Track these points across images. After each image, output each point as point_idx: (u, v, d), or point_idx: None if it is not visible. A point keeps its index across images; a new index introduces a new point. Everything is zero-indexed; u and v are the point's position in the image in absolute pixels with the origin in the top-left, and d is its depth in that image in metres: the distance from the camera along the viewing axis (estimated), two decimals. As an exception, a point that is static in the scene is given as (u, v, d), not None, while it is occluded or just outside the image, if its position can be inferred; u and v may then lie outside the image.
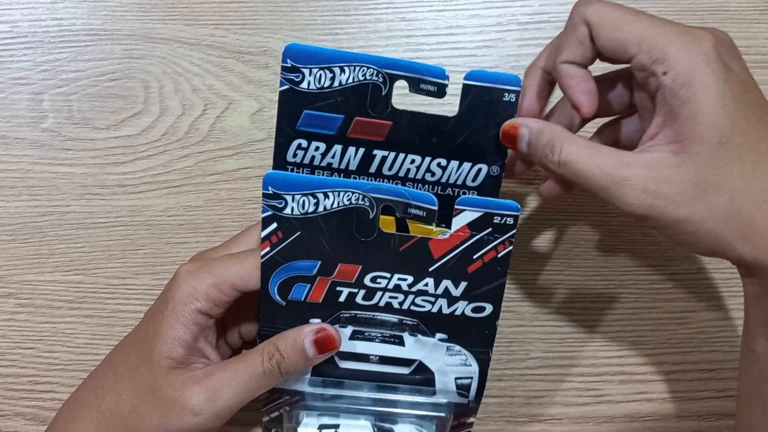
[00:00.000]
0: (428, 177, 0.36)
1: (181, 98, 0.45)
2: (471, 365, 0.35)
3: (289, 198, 0.32)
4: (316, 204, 0.32)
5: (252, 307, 0.36)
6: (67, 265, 0.44)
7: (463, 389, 0.36)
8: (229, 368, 0.33)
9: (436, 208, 0.32)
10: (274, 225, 0.32)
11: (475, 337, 0.35)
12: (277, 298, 0.34)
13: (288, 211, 0.32)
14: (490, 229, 0.32)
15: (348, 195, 0.32)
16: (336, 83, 0.34)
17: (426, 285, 0.33)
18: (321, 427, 0.37)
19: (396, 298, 0.34)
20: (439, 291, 0.34)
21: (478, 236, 0.32)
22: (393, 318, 0.34)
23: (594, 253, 0.45)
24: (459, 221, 0.32)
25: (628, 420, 0.42)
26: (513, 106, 0.34)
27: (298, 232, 0.32)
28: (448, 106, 0.36)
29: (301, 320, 0.34)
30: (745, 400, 0.34)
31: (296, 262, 0.33)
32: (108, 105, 0.44)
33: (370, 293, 0.34)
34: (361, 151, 0.36)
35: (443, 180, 0.36)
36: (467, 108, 0.34)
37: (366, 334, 0.35)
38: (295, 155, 0.35)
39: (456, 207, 0.32)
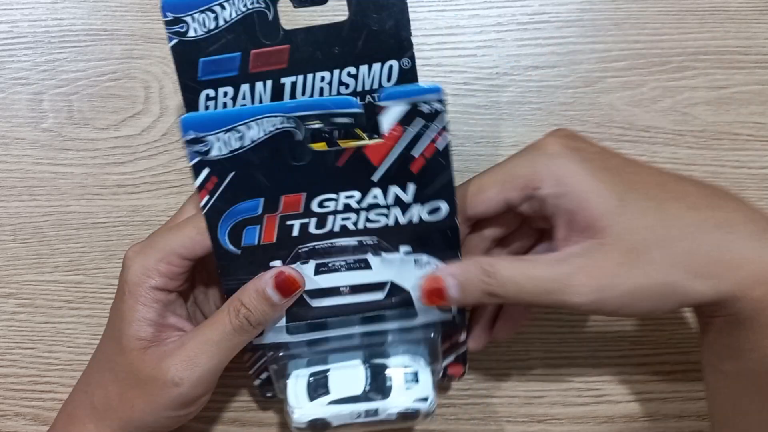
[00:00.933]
0: (343, 90, 0.35)
1: (182, 98, 0.44)
2: None
3: (212, 138, 0.31)
4: (241, 138, 0.31)
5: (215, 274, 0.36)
6: (67, 265, 0.44)
7: (441, 307, 0.35)
8: (200, 333, 0.33)
9: (361, 110, 0.31)
10: (206, 171, 0.32)
11: (438, 241, 0.34)
12: (231, 247, 0.33)
13: (215, 152, 0.31)
14: (421, 120, 0.31)
15: (271, 121, 0.31)
16: (221, 22, 0.33)
17: (375, 197, 0.33)
18: (311, 375, 0.36)
19: (349, 218, 0.33)
20: (390, 200, 0.33)
21: (412, 131, 0.31)
22: (352, 241, 0.34)
23: (594, 253, 0.45)
24: (387, 119, 0.31)
25: (628, 420, 0.42)
26: None
27: (232, 172, 0.32)
28: (340, 12, 0.34)
29: (260, 266, 0.34)
30: (722, 417, 0.34)
31: (239, 205, 0.32)
32: (108, 105, 0.44)
33: (321, 220, 0.33)
34: (269, 83, 0.35)
35: (359, 89, 0.35)
36: (357, 7, 0.34)
37: (330, 265, 0.34)
38: (206, 107, 0.35)
39: (378, 105, 0.31)
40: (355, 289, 0.35)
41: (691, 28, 0.44)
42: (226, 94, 0.35)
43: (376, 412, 0.35)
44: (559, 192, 0.31)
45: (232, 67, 0.34)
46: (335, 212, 0.33)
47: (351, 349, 0.36)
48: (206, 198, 0.32)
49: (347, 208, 0.33)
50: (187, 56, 0.34)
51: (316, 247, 0.34)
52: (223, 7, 0.33)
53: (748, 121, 0.44)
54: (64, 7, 0.45)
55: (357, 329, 0.36)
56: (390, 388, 0.35)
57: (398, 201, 0.33)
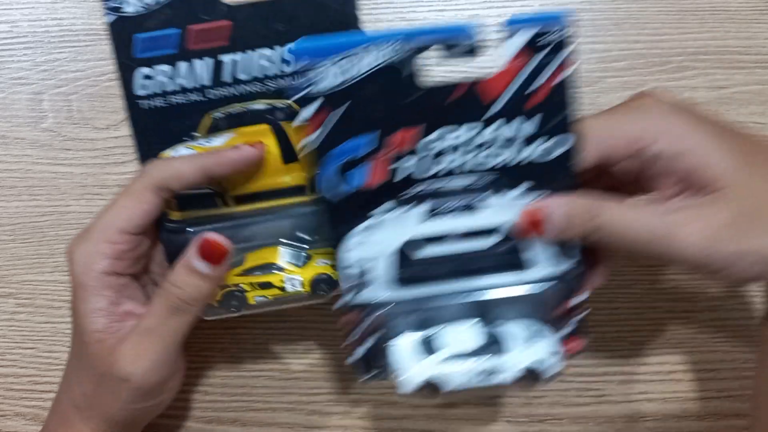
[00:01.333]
0: (286, 69, 0.34)
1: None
2: None
3: (326, 66, 0.29)
4: (352, 68, 0.29)
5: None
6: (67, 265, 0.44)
7: (564, 247, 0.33)
8: (139, 324, 0.33)
9: (477, 37, 0.29)
10: (317, 102, 0.29)
11: (556, 180, 0.31)
12: (338, 190, 0.31)
13: (326, 83, 0.29)
14: (546, 49, 0.29)
15: (382, 50, 0.29)
16: None
17: (490, 134, 0.30)
18: (420, 337, 0.33)
19: (461, 157, 0.31)
20: (505, 137, 0.30)
21: (535, 61, 0.29)
22: (463, 182, 0.32)
23: (594, 253, 0.45)
24: (510, 48, 0.29)
25: (628, 420, 0.42)
26: None
27: (345, 104, 0.29)
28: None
29: (367, 211, 0.32)
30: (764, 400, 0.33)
31: (348, 142, 0.30)
32: (108, 105, 0.44)
33: (432, 159, 0.31)
34: (209, 61, 0.34)
35: None
36: None
37: (437, 209, 0.32)
38: (143, 87, 0.34)
39: (507, 28, 0.29)
40: (464, 236, 0.32)
41: (691, 28, 0.44)
42: (163, 72, 0.34)
43: (492, 372, 0.32)
44: (678, 150, 0.30)
45: (171, 44, 0.33)
46: (447, 151, 0.31)
47: (460, 308, 0.34)
48: (316, 132, 0.30)
49: (460, 146, 0.31)
50: (125, 33, 0.33)
51: (426, 189, 0.32)
52: None
53: (748, 121, 0.44)
54: (64, 7, 0.45)
55: (466, 284, 0.33)
56: (508, 346, 0.32)
57: (514, 138, 0.30)
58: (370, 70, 0.29)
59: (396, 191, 0.32)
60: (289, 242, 0.36)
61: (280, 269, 0.34)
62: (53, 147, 0.44)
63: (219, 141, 0.34)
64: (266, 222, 0.35)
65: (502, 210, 0.32)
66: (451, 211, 0.32)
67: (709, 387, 0.43)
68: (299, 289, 0.34)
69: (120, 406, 0.33)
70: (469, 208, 0.32)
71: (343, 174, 0.31)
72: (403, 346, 0.33)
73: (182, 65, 0.34)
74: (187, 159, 0.33)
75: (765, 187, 0.30)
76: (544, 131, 0.30)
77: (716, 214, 0.29)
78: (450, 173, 0.31)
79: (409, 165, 0.31)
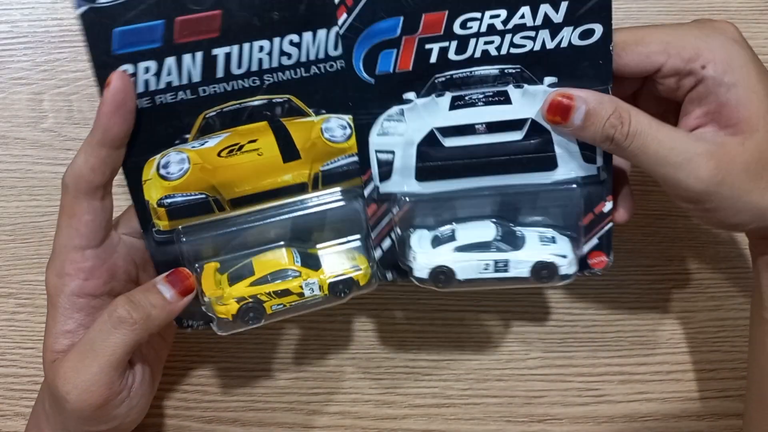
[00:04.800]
0: (285, 61, 0.31)
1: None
2: None
3: None
4: None
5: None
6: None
7: (587, 150, 0.32)
8: (80, 342, 0.31)
9: None
10: None
11: (589, 73, 0.30)
12: (365, 75, 0.30)
13: None
14: None
15: None
16: None
17: (522, 17, 0.29)
18: (438, 230, 0.33)
19: (492, 42, 0.30)
20: (539, 20, 0.29)
21: None
22: (493, 70, 0.30)
23: (594, 253, 0.45)
24: None
25: (628, 420, 0.42)
26: None
27: None
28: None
29: (394, 98, 0.31)
30: (758, 371, 0.34)
31: (377, 24, 0.29)
32: (108, 105, 0.44)
33: (462, 44, 0.30)
34: (199, 55, 0.30)
35: (303, 59, 0.31)
36: None
37: (467, 98, 0.31)
38: None
39: None
40: (492, 127, 0.31)
41: (691, 28, 0.44)
42: (147, 69, 0.30)
43: (506, 264, 0.31)
44: (726, 80, 0.30)
45: (154, 38, 0.30)
46: (478, 34, 0.29)
47: (481, 208, 0.33)
48: (344, 16, 0.29)
49: (491, 29, 0.29)
50: (100, 27, 0.29)
51: (454, 76, 0.30)
52: None
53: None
54: (64, 7, 0.45)
55: (490, 180, 0.32)
56: (523, 241, 0.32)
57: (547, 21, 0.29)
58: None
59: (422, 78, 0.30)
60: (296, 243, 0.35)
61: (296, 274, 0.33)
62: (53, 147, 0.44)
63: (213, 142, 0.33)
64: (268, 223, 0.34)
65: (529, 103, 0.31)
66: (476, 102, 0.31)
67: (709, 387, 0.43)
68: (317, 293, 0.33)
69: (73, 427, 0.32)
70: (494, 98, 0.31)
71: (375, 57, 0.30)
72: (420, 236, 0.33)
73: (169, 61, 0.30)
74: (82, 147, 0.31)
75: None
76: (575, 17, 0.29)
77: (734, 158, 0.30)
78: (476, 60, 0.30)
79: (436, 49, 0.30)
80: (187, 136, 0.32)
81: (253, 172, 0.33)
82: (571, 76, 0.30)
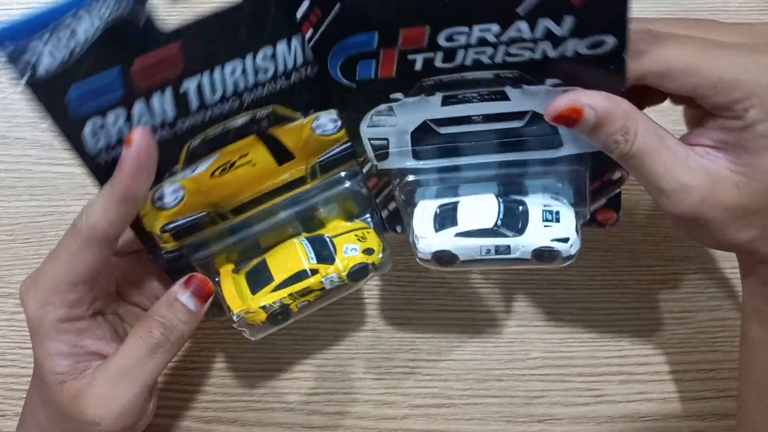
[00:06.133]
0: (262, 77, 0.29)
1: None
2: None
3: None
4: None
5: (139, 278, 0.35)
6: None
7: None
8: (112, 364, 0.31)
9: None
10: (306, 2, 0.27)
11: (598, 75, 0.28)
12: (345, 80, 0.29)
13: None
14: None
15: None
16: (80, 37, 0.25)
17: (518, 30, 0.27)
18: (440, 206, 0.33)
19: (483, 53, 0.27)
20: (538, 34, 0.27)
21: None
22: (486, 74, 0.28)
23: (594, 253, 0.45)
24: None
25: (628, 420, 0.42)
26: None
27: (337, 4, 0.26)
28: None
29: (380, 98, 0.30)
30: (744, 385, 0.34)
31: (350, 38, 0.28)
32: (108, 105, 0.44)
33: (449, 54, 0.28)
34: (168, 93, 0.28)
35: (279, 71, 0.29)
36: None
37: (460, 96, 0.29)
38: (97, 139, 0.28)
39: None
40: (490, 118, 0.30)
41: (691, 28, 0.44)
42: (117, 117, 0.28)
43: (507, 248, 0.31)
44: (760, 130, 0.27)
45: (113, 87, 0.27)
46: (467, 46, 0.27)
47: (485, 180, 0.32)
48: (310, 32, 0.27)
49: (482, 42, 0.27)
50: (52, 93, 0.26)
51: (444, 79, 0.29)
52: (78, 19, 0.25)
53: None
54: (64, 7, 0.45)
55: (493, 157, 0.31)
56: (525, 224, 0.31)
57: (549, 35, 0.27)
58: None
59: (408, 83, 0.29)
60: (304, 233, 0.35)
61: (314, 272, 0.34)
62: (53, 147, 0.44)
63: (204, 166, 0.32)
64: (273, 220, 0.35)
65: (529, 100, 0.29)
66: (470, 99, 0.29)
67: (708, 387, 0.43)
68: (337, 282, 0.34)
69: None
70: (490, 96, 0.29)
71: (353, 66, 0.29)
72: (422, 214, 0.33)
73: (138, 105, 0.28)
74: (101, 197, 0.29)
75: None
76: (582, 31, 0.26)
77: (721, 197, 0.28)
78: (466, 67, 0.28)
79: (420, 59, 0.28)
80: (176, 167, 0.31)
81: (250, 182, 0.33)
82: (577, 79, 0.29)
